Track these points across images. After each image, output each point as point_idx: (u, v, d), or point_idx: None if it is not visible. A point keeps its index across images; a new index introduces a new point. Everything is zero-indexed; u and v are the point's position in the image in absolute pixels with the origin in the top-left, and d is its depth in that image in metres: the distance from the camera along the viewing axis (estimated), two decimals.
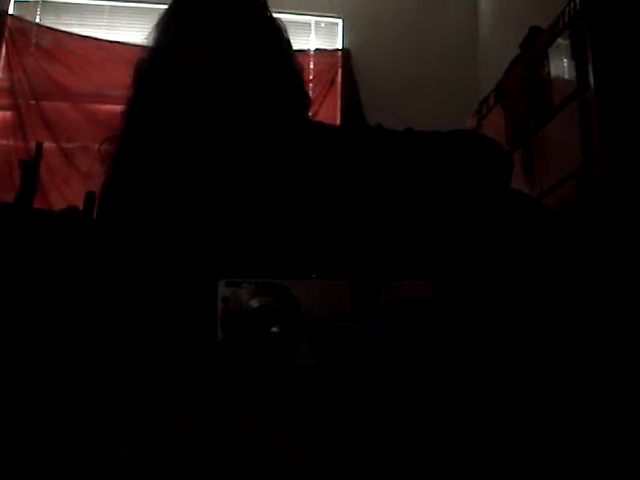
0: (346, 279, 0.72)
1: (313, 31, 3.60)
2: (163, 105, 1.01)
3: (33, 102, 3.28)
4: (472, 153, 0.99)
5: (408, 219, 0.93)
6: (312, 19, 3.60)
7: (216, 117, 0.99)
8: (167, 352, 0.81)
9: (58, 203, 2.90)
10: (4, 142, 3.23)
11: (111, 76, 3.12)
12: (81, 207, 1.13)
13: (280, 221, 0.94)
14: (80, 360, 0.84)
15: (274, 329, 0.68)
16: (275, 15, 1.10)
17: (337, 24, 3.61)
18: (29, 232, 0.95)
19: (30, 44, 3.36)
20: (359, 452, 0.46)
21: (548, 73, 1.88)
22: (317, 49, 3.53)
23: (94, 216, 1.08)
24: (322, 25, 3.62)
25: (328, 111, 3.30)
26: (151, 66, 1.04)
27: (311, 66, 3.41)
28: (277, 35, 1.08)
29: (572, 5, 1.75)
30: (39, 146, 1.83)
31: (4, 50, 3.35)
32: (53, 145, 3.16)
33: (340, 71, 3.48)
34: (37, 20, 3.44)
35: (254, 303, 0.69)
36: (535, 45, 2.02)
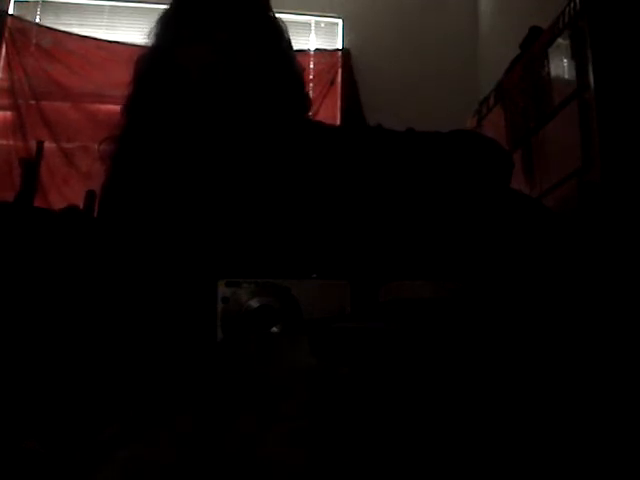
0: (346, 279, 0.72)
1: (313, 31, 3.60)
2: (163, 104, 1.01)
3: (33, 102, 3.28)
4: (472, 153, 0.99)
5: (408, 219, 0.93)
6: (312, 19, 3.60)
7: (216, 117, 0.99)
8: (167, 352, 0.81)
9: (58, 203, 2.90)
10: (4, 142, 3.23)
11: (111, 76, 3.12)
12: (81, 206, 1.13)
13: (280, 221, 0.94)
14: (80, 360, 0.84)
15: (274, 329, 0.68)
16: (276, 15, 1.10)
17: (337, 24, 3.61)
18: (29, 231, 0.95)
19: (30, 44, 3.36)
20: (359, 452, 0.46)
21: (548, 73, 1.88)
22: (317, 49, 3.53)
23: (94, 215, 1.08)
24: (322, 25, 3.62)
25: (328, 111, 3.31)
26: (151, 64, 1.04)
27: (311, 66, 3.41)
28: (278, 35, 1.08)
29: (572, 5, 1.75)
30: (40, 145, 1.83)
31: (4, 50, 3.35)
32: (53, 145, 3.16)
33: (340, 71, 3.48)
34: (37, 20, 3.44)
35: (254, 303, 0.69)
36: (535, 45, 2.02)
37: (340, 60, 3.50)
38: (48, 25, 3.42)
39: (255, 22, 1.03)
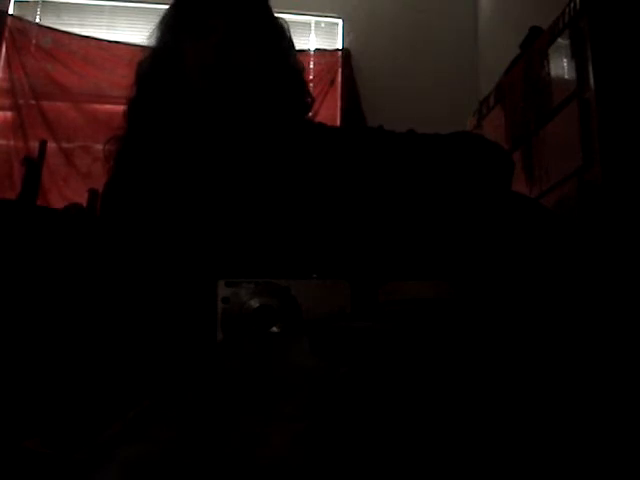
0: (346, 279, 0.72)
1: (313, 31, 3.60)
2: (164, 105, 1.01)
3: (33, 102, 3.28)
4: (473, 155, 0.99)
5: (408, 220, 0.93)
6: (312, 19, 3.60)
7: (217, 117, 0.99)
8: (167, 352, 0.81)
9: (58, 203, 2.90)
10: (4, 142, 3.23)
11: (111, 76, 3.13)
12: (84, 205, 1.13)
13: (280, 221, 0.94)
14: (81, 359, 0.84)
15: (274, 329, 0.68)
16: (276, 15, 1.10)
17: (337, 24, 3.61)
18: (32, 229, 0.95)
19: (30, 44, 3.36)
20: (359, 452, 0.46)
21: (548, 73, 1.88)
22: (317, 49, 3.53)
23: (97, 214, 1.08)
24: (322, 25, 3.62)
25: (328, 111, 3.31)
26: (152, 66, 1.04)
27: (311, 66, 3.41)
28: (278, 35, 1.08)
29: (572, 5, 1.75)
30: (43, 144, 1.83)
31: (4, 50, 3.35)
32: (53, 145, 3.16)
33: (340, 71, 3.48)
34: (37, 20, 3.45)
35: (254, 303, 0.69)
36: (535, 45, 2.02)
37: (340, 60, 3.50)
38: (48, 25, 3.42)
39: (255, 22, 1.03)
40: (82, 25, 3.44)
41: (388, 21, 3.52)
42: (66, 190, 3.09)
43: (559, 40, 1.82)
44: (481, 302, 0.70)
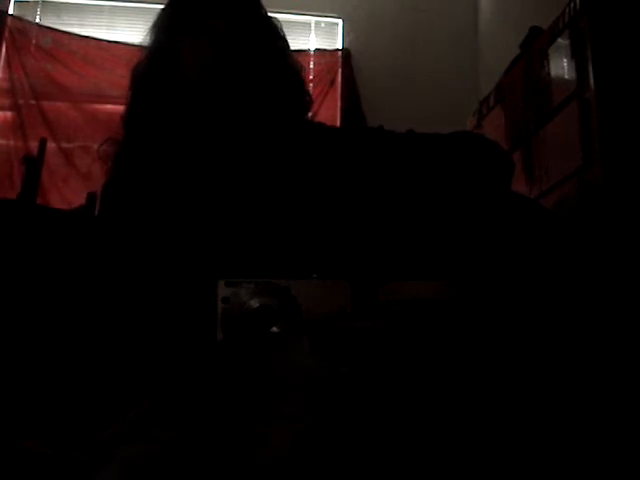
0: (346, 279, 0.72)
1: (313, 31, 3.60)
2: (162, 106, 1.01)
3: (33, 102, 3.28)
4: (473, 155, 0.99)
5: (408, 220, 0.93)
6: (312, 19, 3.60)
7: (216, 117, 0.99)
8: (167, 352, 0.81)
9: (58, 203, 2.90)
10: (4, 142, 3.23)
11: (111, 76, 3.12)
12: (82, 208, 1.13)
13: (280, 221, 0.94)
14: (81, 359, 0.84)
15: (274, 329, 0.68)
16: (274, 15, 1.10)
17: (337, 24, 3.61)
18: (31, 228, 0.95)
19: (30, 44, 3.36)
20: (359, 451, 0.46)
21: (548, 73, 1.88)
22: (317, 49, 3.53)
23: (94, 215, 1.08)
24: (322, 25, 3.62)
25: (328, 111, 3.31)
26: (149, 67, 1.04)
27: (311, 66, 3.41)
28: (273, 34, 1.08)
29: (572, 5, 1.75)
30: (42, 142, 1.82)
31: (4, 50, 3.35)
32: (53, 145, 3.16)
33: (340, 71, 3.48)
34: (37, 20, 3.44)
35: (254, 303, 0.69)
36: (535, 45, 2.02)
37: (340, 60, 3.50)
38: (48, 25, 3.42)
39: (252, 21, 1.03)
40: (82, 25, 3.44)
41: (388, 21, 3.52)
42: (66, 190, 3.09)
43: (559, 40, 1.82)
44: (481, 302, 0.70)
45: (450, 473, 0.47)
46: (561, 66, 1.79)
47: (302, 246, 0.90)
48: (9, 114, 3.28)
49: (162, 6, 1.09)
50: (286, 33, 1.10)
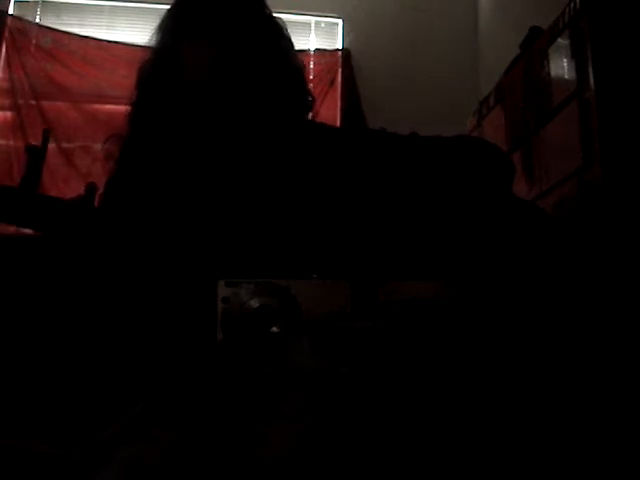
0: (346, 279, 0.72)
1: (313, 31, 3.60)
2: (166, 106, 1.01)
3: (33, 102, 3.28)
4: (474, 159, 0.99)
5: (408, 221, 0.93)
6: (312, 19, 3.60)
7: (219, 117, 0.99)
8: (167, 352, 0.81)
9: None
10: (4, 142, 3.23)
11: (111, 76, 3.12)
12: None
13: (280, 221, 0.94)
14: (81, 359, 0.84)
15: (274, 329, 0.68)
16: (275, 14, 1.10)
17: (337, 24, 3.61)
18: (32, 220, 0.95)
19: (30, 44, 3.36)
20: (359, 451, 0.46)
21: (548, 73, 1.88)
22: (317, 49, 3.53)
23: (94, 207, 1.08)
24: (322, 25, 3.62)
25: (328, 111, 3.30)
26: (154, 68, 1.04)
27: (311, 66, 3.41)
28: (276, 33, 1.08)
29: (572, 5, 1.75)
30: (46, 132, 1.82)
31: (4, 50, 3.35)
32: (53, 145, 3.16)
33: (340, 71, 3.48)
34: (37, 20, 3.44)
35: (254, 303, 0.69)
36: (535, 45, 2.02)
37: (340, 60, 3.50)
38: (48, 25, 3.42)
39: (255, 21, 1.03)
40: (82, 25, 3.44)
41: (388, 21, 3.52)
42: (66, 190, 3.09)
43: (559, 40, 1.82)
44: (481, 302, 0.70)
45: (450, 473, 0.47)
46: (561, 66, 1.79)
47: (302, 246, 0.90)
48: (9, 114, 3.28)
49: (162, 6, 1.09)
50: None
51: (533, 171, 1.92)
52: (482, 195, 0.94)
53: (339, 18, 3.60)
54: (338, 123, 3.29)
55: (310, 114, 1.12)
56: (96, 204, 1.04)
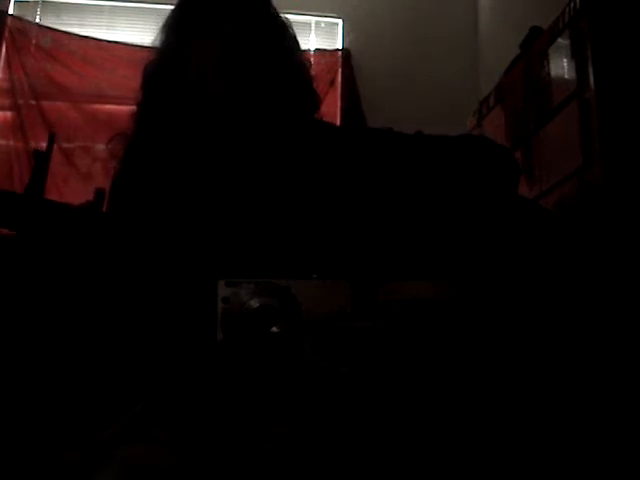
0: (346, 279, 0.72)
1: (313, 31, 3.60)
2: (172, 106, 1.01)
3: (33, 102, 3.28)
4: (480, 158, 0.99)
5: (409, 220, 0.93)
6: (312, 19, 3.59)
7: (225, 118, 0.99)
8: (167, 352, 0.81)
9: None
10: (4, 142, 3.23)
11: (111, 76, 3.12)
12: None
13: (281, 221, 0.94)
14: (81, 358, 0.84)
15: (274, 329, 0.68)
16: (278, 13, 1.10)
17: (337, 24, 3.61)
18: (37, 222, 0.95)
19: (30, 44, 3.36)
20: (359, 451, 0.46)
21: (548, 73, 1.88)
22: (317, 49, 3.53)
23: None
24: (322, 25, 3.62)
25: (328, 111, 3.30)
26: (159, 68, 1.04)
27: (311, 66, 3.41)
28: (282, 32, 1.07)
29: (572, 5, 1.75)
30: (51, 136, 1.82)
31: (4, 50, 3.35)
32: (53, 145, 3.15)
33: (340, 71, 3.48)
34: (37, 20, 3.44)
35: (254, 303, 0.69)
36: (535, 45, 2.02)
37: (340, 60, 3.49)
38: (48, 25, 3.42)
39: (261, 21, 1.03)
40: (82, 25, 3.44)
41: (388, 21, 3.52)
42: (66, 190, 3.09)
43: (559, 40, 1.82)
44: (481, 302, 0.70)
45: (449, 472, 0.47)
46: (561, 66, 1.80)
47: (302, 246, 0.90)
48: (9, 114, 3.28)
49: (162, 6, 1.09)
50: None
51: (533, 171, 1.92)
52: (487, 195, 0.94)
53: (339, 18, 3.60)
54: (338, 123, 3.29)
55: (316, 113, 1.12)
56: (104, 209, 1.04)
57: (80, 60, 3.36)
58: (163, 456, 0.45)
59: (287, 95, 1.03)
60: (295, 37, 1.09)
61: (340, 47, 3.55)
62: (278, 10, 1.10)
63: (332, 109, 3.38)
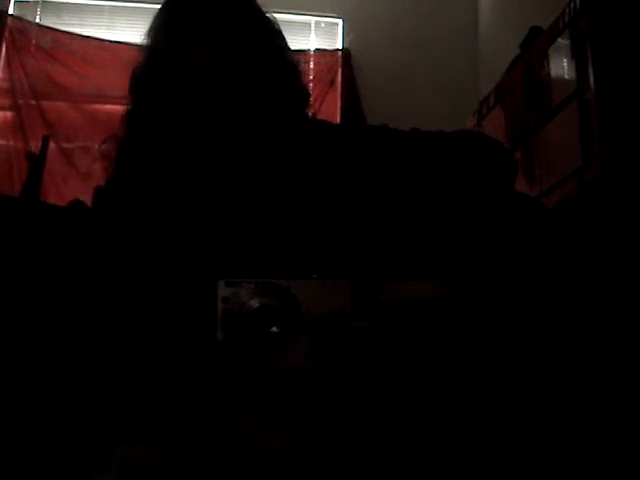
0: (346, 279, 0.72)
1: (313, 31, 3.60)
2: (163, 106, 1.00)
3: (33, 102, 3.28)
4: (477, 154, 0.98)
5: (409, 219, 0.93)
6: (312, 19, 3.60)
7: (217, 118, 0.99)
8: (167, 352, 0.81)
9: (57, 203, 2.90)
10: (4, 142, 3.23)
11: (111, 76, 3.12)
12: (90, 203, 1.13)
13: (280, 221, 0.94)
14: (81, 358, 0.84)
15: (274, 329, 0.68)
16: (274, 14, 1.10)
17: (337, 24, 3.61)
18: (33, 225, 0.95)
19: (30, 44, 3.36)
20: (359, 451, 0.46)
21: (548, 73, 1.88)
22: (317, 49, 3.53)
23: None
24: (322, 25, 3.62)
25: (328, 111, 3.30)
26: (148, 69, 1.03)
27: (311, 66, 3.41)
28: (271, 31, 1.07)
29: (572, 5, 1.75)
30: (45, 138, 1.83)
31: (4, 50, 3.35)
32: (53, 145, 3.16)
33: (340, 71, 3.48)
34: (37, 20, 3.44)
35: (254, 303, 0.69)
36: (535, 45, 2.02)
37: (340, 60, 3.50)
38: (48, 25, 3.42)
39: (246, 20, 1.03)
40: (82, 25, 3.44)
41: (388, 21, 3.52)
42: (65, 190, 3.09)
43: (559, 40, 1.82)
44: (481, 302, 0.70)
45: (449, 472, 0.47)
46: (561, 66, 1.80)
47: (302, 246, 0.90)
48: (9, 114, 3.29)
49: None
50: (286, 33, 1.10)
51: (533, 171, 1.92)
52: (484, 192, 0.94)
53: (339, 18, 3.60)
54: (338, 123, 3.29)
55: (310, 112, 1.12)
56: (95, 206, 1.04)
57: (80, 60, 3.36)
58: (163, 456, 0.45)
59: (278, 94, 1.02)
60: (283, 35, 1.09)
61: (340, 47, 3.55)
62: (278, 10, 1.10)
63: (332, 109, 3.38)
